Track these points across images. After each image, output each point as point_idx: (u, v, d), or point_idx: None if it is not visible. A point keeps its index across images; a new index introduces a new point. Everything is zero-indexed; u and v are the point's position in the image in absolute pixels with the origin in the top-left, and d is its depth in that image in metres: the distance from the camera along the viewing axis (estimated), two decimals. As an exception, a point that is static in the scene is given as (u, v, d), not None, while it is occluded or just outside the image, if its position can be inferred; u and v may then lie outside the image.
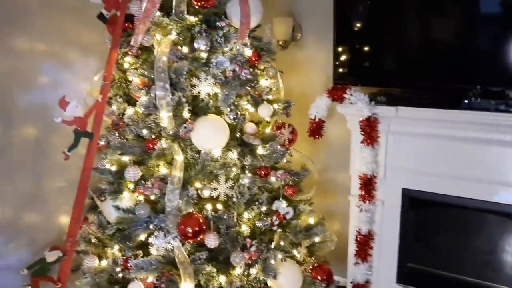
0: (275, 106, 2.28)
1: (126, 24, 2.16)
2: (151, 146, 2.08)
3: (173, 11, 2.06)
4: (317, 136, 2.40)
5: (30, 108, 2.32)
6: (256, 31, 2.29)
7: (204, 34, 2.06)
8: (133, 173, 2.09)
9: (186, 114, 2.08)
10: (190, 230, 1.97)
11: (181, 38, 2.08)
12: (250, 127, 2.23)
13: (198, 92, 2.11)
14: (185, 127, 2.03)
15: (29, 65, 2.30)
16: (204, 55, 2.09)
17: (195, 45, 2.05)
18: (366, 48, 2.52)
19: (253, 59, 2.21)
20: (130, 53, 2.16)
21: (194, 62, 2.08)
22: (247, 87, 2.19)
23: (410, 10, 2.40)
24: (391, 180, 2.41)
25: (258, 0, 2.16)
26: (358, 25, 2.54)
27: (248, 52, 2.20)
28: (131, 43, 2.08)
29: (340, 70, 2.56)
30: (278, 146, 2.25)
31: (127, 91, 2.25)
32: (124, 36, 2.17)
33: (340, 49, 2.54)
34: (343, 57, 2.54)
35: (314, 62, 2.85)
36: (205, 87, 2.10)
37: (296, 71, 2.83)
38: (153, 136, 2.11)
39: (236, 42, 2.12)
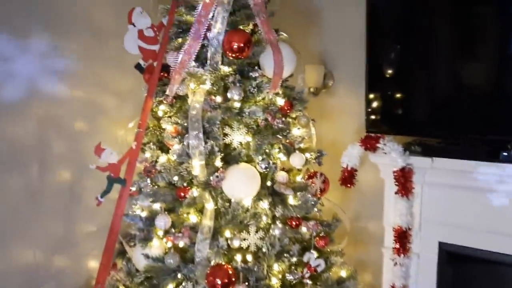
0: (307, 155, 2.26)
1: (162, 74, 2.21)
2: (182, 194, 2.08)
3: (208, 62, 2.09)
4: (349, 185, 2.35)
5: (65, 153, 2.37)
6: (289, 80, 2.30)
7: (237, 84, 2.08)
8: (164, 221, 2.08)
9: (218, 163, 2.08)
10: (219, 282, 1.93)
11: (215, 88, 2.11)
12: (281, 176, 2.19)
13: (231, 141, 2.11)
14: (217, 176, 2.03)
15: (66, 111, 2.37)
16: (237, 104, 2.10)
17: (229, 95, 2.07)
18: (398, 96, 2.48)
19: (286, 108, 2.21)
20: (165, 101, 2.20)
21: (228, 111, 2.10)
22: (279, 136, 2.18)
23: (444, 56, 2.34)
24: (426, 233, 2.32)
25: (291, 50, 2.18)
26: (390, 71, 2.51)
27: (281, 102, 2.20)
28: (167, 92, 2.12)
29: (373, 117, 2.52)
30: (310, 196, 2.21)
31: (160, 139, 2.27)
32: (159, 85, 2.22)
33: (372, 96, 2.51)
34: (375, 105, 2.51)
35: (345, 109, 2.83)
36: (238, 136, 2.11)
37: (328, 118, 2.82)
38: (185, 184, 2.11)
39: (268, 92, 2.14)
